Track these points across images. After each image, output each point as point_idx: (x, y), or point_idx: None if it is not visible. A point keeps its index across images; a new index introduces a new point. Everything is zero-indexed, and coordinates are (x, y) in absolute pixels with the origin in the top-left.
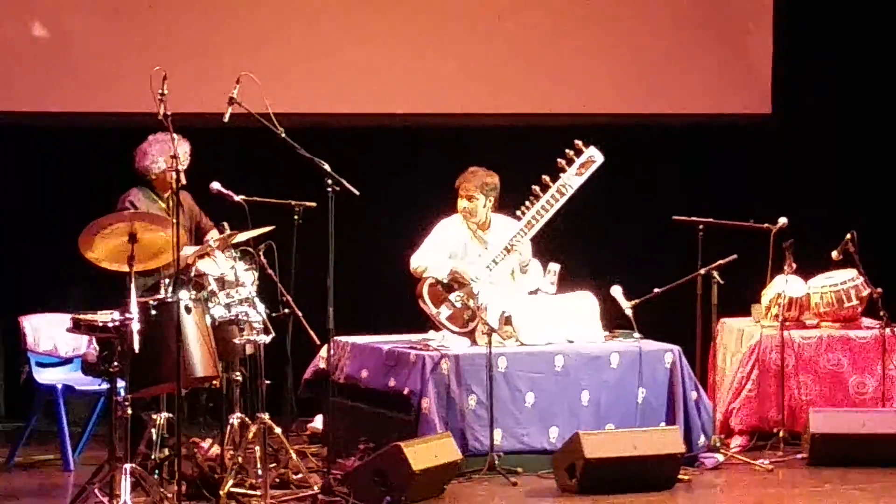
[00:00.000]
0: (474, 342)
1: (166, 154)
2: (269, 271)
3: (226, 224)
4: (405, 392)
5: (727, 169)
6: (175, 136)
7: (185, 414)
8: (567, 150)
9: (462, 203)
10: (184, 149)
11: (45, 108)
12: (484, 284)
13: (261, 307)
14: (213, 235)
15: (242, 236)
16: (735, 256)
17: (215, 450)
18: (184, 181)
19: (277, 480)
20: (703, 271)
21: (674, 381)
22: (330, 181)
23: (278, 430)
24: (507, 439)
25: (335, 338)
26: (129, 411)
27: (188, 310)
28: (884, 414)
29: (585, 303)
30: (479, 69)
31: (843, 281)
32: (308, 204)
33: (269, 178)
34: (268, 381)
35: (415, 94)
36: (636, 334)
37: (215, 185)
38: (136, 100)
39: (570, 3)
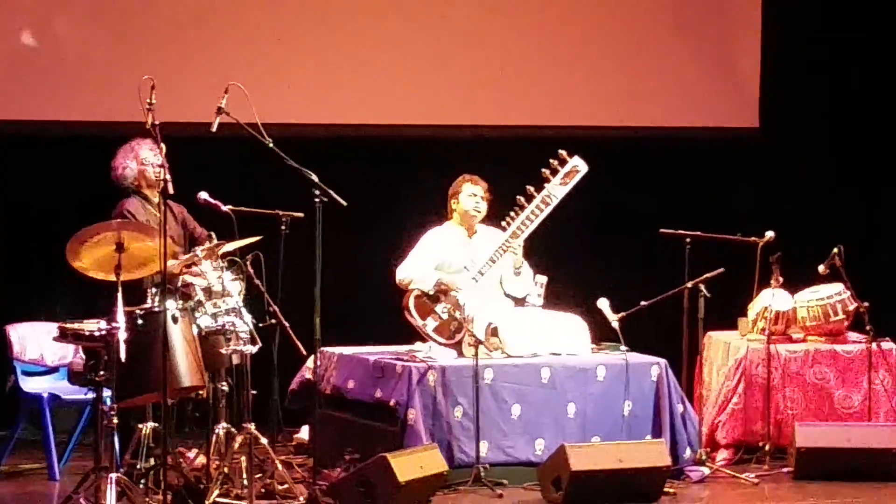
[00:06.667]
0: (461, 354)
1: (129, 155)
2: (256, 281)
3: (213, 234)
4: (391, 403)
5: (714, 182)
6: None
7: (172, 423)
8: (551, 160)
9: (482, 204)
10: (149, 147)
11: (33, 116)
12: (470, 296)
13: (247, 317)
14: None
15: (230, 246)
16: (722, 270)
17: (201, 460)
18: (172, 190)
19: (263, 491)
20: (689, 284)
21: (660, 394)
22: (317, 192)
23: (264, 440)
24: (492, 451)
25: (322, 348)
26: (115, 420)
27: (175, 319)
28: (869, 428)
29: (576, 324)
30: (466, 81)
31: (829, 295)
32: (295, 214)
33: (257, 188)
34: (254, 392)
35: (402, 105)
36: (623, 347)
37: (203, 195)
38: (125, 109)
39: (557, 17)
